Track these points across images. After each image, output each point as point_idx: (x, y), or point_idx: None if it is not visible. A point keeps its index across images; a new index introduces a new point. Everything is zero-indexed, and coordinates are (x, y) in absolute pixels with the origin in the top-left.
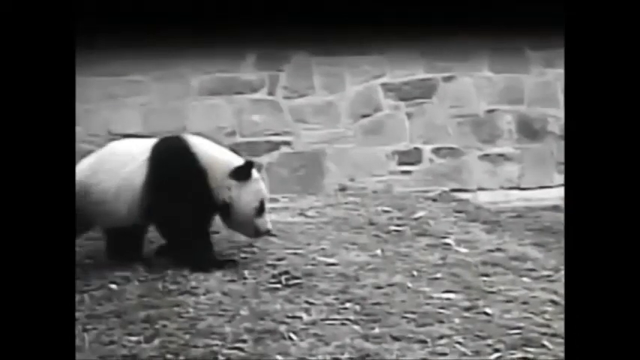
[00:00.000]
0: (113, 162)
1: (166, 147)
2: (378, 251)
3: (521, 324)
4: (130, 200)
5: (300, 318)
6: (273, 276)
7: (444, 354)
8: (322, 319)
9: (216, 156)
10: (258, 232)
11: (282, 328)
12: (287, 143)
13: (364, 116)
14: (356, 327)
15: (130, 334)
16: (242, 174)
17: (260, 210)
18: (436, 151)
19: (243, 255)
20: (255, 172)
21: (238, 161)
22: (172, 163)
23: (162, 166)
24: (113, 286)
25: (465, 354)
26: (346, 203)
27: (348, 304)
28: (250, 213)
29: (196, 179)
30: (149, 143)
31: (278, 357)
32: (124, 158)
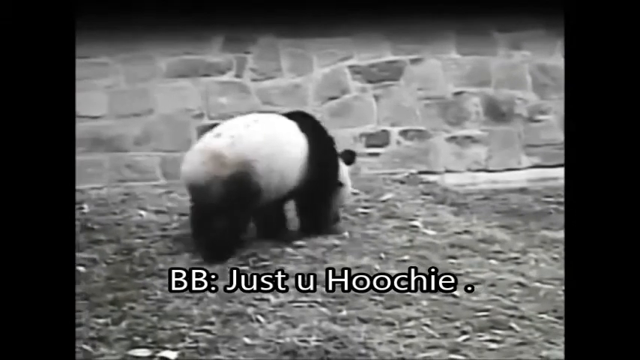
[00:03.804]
0: (280, 134)
1: (308, 124)
2: (346, 233)
3: (489, 306)
4: (300, 170)
5: (268, 300)
6: (241, 258)
7: (412, 336)
8: (290, 302)
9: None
10: (337, 218)
11: (250, 310)
12: None
13: (331, 98)
14: (323, 309)
15: (98, 317)
16: (350, 158)
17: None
18: (403, 133)
19: None
20: None
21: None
22: (315, 136)
23: (313, 139)
24: (81, 268)
25: (432, 336)
26: None
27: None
28: (347, 196)
29: (333, 153)
30: (278, 117)
31: (245, 339)
32: (283, 130)
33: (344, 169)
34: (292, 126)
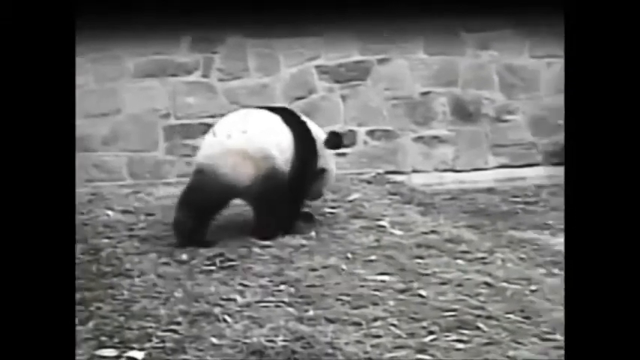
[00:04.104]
0: (273, 126)
1: (289, 117)
2: (313, 233)
3: (456, 306)
4: (287, 164)
5: (235, 300)
6: (208, 258)
7: (379, 336)
8: (257, 302)
9: (314, 127)
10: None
11: (217, 310)
12: None
13: (299, 98)
14: (290, 309)
15: None
16: (336, 143)
17: None
18: (370, 133)
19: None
20: None
21: (321, 132)
22: (299, 132)
23: (296, 135)
24: None
25: (399, 336)
26: None
27: (282, 287)
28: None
29: (312, 148)
30: (264, 113)
31: (212, 339)
32: (273, 123)
33: (327, 154)
34: (278, 120)
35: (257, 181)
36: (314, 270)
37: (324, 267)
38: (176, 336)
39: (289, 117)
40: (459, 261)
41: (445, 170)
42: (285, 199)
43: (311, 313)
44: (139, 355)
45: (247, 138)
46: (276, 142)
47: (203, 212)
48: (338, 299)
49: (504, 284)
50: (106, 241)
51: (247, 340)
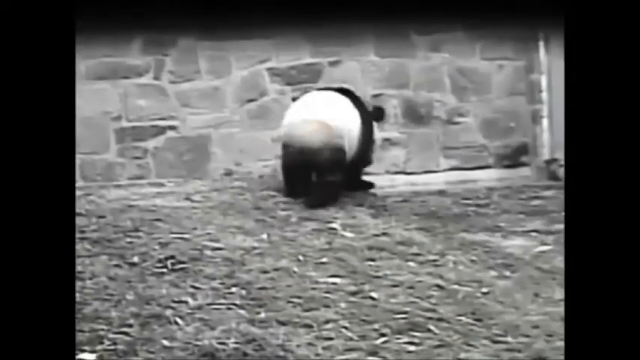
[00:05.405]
0: (343, 110)
1: (351, 96)
2: (264, 236)
3: (407, 308)
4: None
5: (186, 302)
6: (159, 260)
7: (330, 338)
8: (208, 304)
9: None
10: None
11: (168, 312)
12: (173, 128)
13: (250, 101)
14: (242, 311)
15: None
16: (380, 115)
17: None
18: None
19: (128, 240)
20: None
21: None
22: (361, 111)
23: (362, 111)
24: None
25: (351, 338)
26: (232, 188)
27: (234, 289)
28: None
29: (370, 126)
30: (331, 93)
31: (164, 341)
32: (341, 107)
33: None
34: (348, 102)
35: (325, 149)
36: (265, 272)
37: (276, 269)
38: (127, 338)
39: (354, 98)
40: (411, 263)
41: (397, 173)
42: (342, 174)
43: (262, 315)
44: (91, 357)
45: (328, 113)
46: (346, 122)
47: (293, 172)
48: (289, 302)
49: (456, 287)
50: None
51: (199, 343)
